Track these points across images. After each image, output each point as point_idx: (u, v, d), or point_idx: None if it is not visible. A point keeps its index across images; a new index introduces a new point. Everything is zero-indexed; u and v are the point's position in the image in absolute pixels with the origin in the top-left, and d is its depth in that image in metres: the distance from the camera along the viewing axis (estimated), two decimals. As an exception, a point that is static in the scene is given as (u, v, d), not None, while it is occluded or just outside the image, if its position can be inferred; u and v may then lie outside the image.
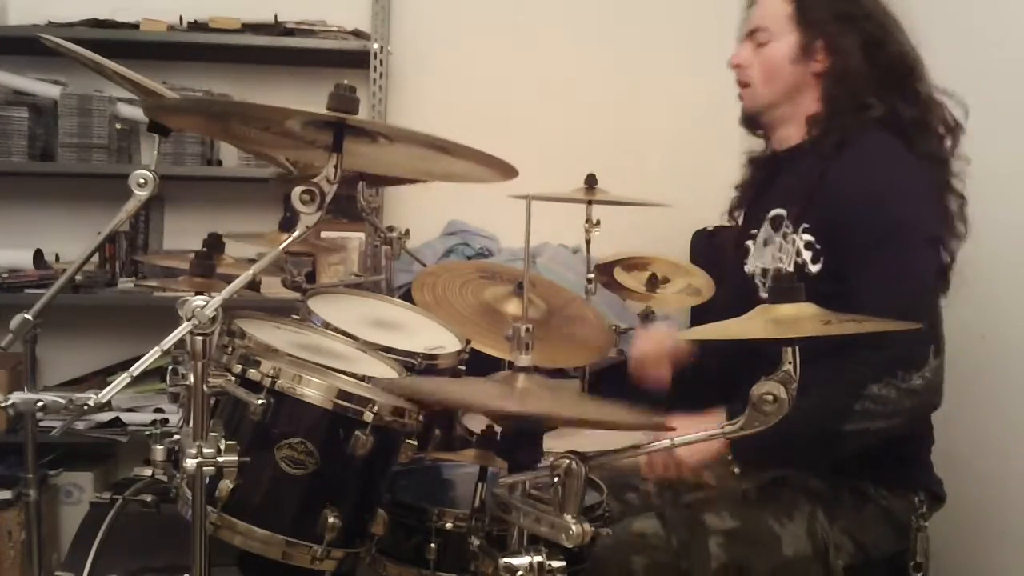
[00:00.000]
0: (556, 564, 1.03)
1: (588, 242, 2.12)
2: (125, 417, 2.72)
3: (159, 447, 1.34)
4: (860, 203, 1.54)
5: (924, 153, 1.61)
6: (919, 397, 1.48)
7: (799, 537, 1.52)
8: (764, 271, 1.73)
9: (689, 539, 1.50)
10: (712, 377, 1.79)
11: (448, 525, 1.41)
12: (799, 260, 1.61)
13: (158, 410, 2.71)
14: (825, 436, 1.50)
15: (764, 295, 1.72)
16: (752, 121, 1.80)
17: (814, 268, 1.59)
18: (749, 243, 1.78)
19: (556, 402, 1.13)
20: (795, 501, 1.55)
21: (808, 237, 1.60)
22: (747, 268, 1.77)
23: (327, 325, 1.62)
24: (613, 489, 1.68)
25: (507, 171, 1.18)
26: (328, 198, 1.09)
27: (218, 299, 1.06)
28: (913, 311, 1.37)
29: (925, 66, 1.67)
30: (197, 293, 1.11)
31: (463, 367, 1.69)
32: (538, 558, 1.03)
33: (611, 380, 1.96)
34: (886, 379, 1.46)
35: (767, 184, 1.79)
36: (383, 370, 1.51)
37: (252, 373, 1.35)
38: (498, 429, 1.31)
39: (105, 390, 1.04)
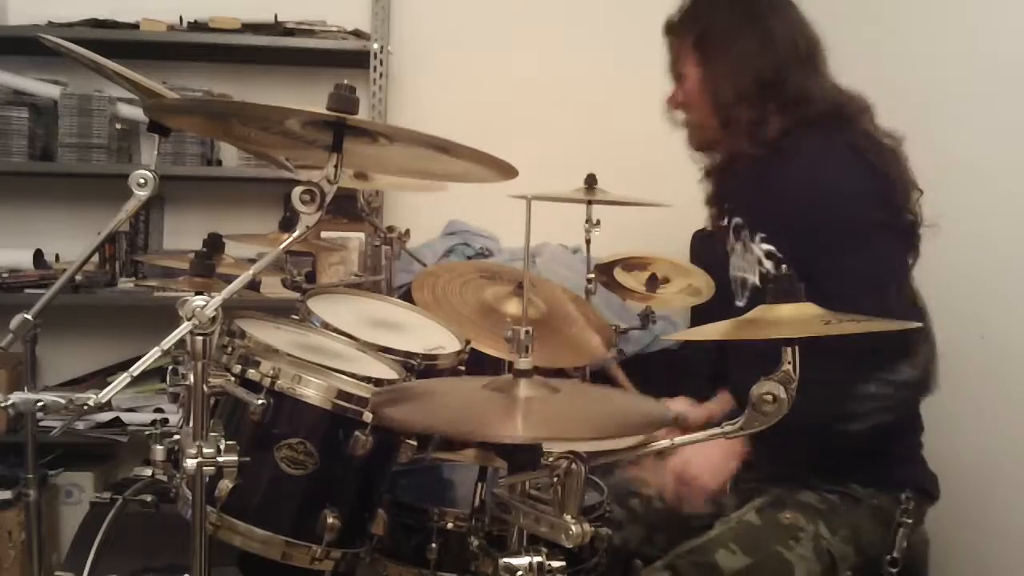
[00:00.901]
0: (556, 564, 1.03)
1: (588, 242, 2.12)
2: (125, 417, 2.72)
3: (159, 447, 1.34)
4: (809, 206, 1.55)
5: (851, 138, 1.60)
6: (913, 389, 1.51)
7: (808, 559, 1.52)
8: (742, 280, 1.75)
9: None
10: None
11: (448, 525, 1.41)
12: (762, 270, 1.64)
13: (158, 410, 2.71)
14: (830, 437, 1.52)
15: (740, 304, 1.75)
16: (703, 144, 1.81)
17: None
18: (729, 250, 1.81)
19: (563, 421, 1.10)
20: (797, 521, 1.55)
21: (767, 247, 1.63)
22: (731, 273, 1.80)
23: (326, 325, 1.61)
24: (616, 496, 1.68)
25: (507, 171, 1.18)
26: (328, 198, 1.08)
27: (218, 299, 1.06)
28: (882, 302, 1.42)
29: (824, 50, 1.68)
30: (197, 293, 1.11)
31: (463, 367, 1.69)
32: (538, 558, 1.03)
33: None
34: (876, 375, 1.47)
35: (723, 194, 1.82)
36: (383, 370, 1.51)
37: (252, 373, 1.35)
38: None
39: (105, 390, 1.03)
